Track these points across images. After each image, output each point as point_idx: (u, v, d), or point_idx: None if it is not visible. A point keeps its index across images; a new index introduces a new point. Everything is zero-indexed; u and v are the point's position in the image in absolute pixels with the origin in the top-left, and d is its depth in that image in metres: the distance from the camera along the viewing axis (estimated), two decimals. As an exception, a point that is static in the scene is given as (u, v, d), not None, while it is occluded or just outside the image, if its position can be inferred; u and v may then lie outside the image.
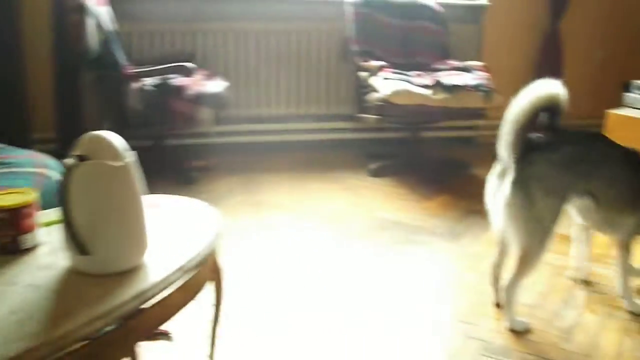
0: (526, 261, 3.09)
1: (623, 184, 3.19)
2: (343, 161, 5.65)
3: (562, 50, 6.39)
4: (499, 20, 6.25)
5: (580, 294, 3.56)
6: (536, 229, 3.03)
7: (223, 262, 2.45)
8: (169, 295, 2.04)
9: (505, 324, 3.18)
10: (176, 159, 5.30)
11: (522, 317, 3.26)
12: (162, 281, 2.00)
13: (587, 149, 3.16)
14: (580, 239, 3.61)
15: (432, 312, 3.34)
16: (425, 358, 2.95)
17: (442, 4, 5.88)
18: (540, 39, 6.43)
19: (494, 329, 3.19)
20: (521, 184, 2.97)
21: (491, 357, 2.95)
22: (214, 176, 5.13)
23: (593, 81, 6.56)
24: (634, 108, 5.29)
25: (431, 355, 2.97)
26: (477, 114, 5.07)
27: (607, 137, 3.39)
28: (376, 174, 5.33)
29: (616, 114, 5.16)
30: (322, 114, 5.97)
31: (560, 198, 3.05)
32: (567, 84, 6.22)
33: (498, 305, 3.35)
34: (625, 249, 3.31)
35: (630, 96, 5.35)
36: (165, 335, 2.96)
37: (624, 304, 3.38)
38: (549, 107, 3.06)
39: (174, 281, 2.06)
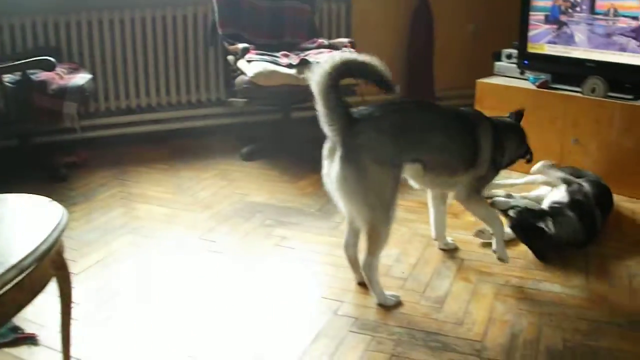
0: (374, 236, 2.96)
1: (452, 149, 3.16)
2: (216, 147, 5.49)
3: (432, 23, 6.35)
4: (368, -4, 6.17)
5: (452, 262, 3.52)
6: (376, 202, 2.90)
7: (70, 256, 2.27)
8: (4, 293, 1.91)
9: (374, 300, 3.09)
10: (45, 156, 5.02)
11: (393, 290, 3.19)
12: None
13: (413, 115, 3.10)
14: (435, 207, 3.57)
15: (301, 290, 3.25)
16: (293, 336, 2.85)
17: (309, -17, 5.73)
18: (410, 13, 6.37)
19: (363, 304, 3.11)
20: (350, 157, 2.85)
21: (360, 333, 2.87)
22: (85, 171, 4.90)
23: (466, 52, 6.57)
24: (503, 76, 5.29)
25: (299, 333, 2.86)
26: (347, 90, 4.95)
27: (433, 104, 3.39)
28: (248, 157, 5.19)
29: (485, 83, 5.16)
30: (194, 101, 5.77)
31: (393, 166, 2.94)
32: (440, 56, 6.29)
33: (360, 284, 3.24)
34: (470, 199, 3.32)
35: (500, 65, 5.36)
36: (31, 339, 2.77)
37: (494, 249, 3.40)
38: (352, 71, 2.94)
39: (10, 279, 1.92)
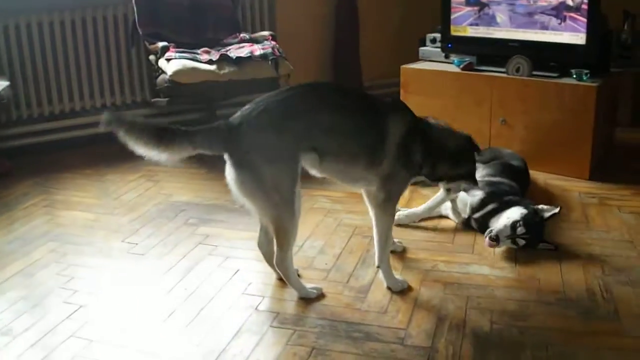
0: (281, 232, 2.87)
1: (346, 131, 2.91)
2: (141, 149, 5.33)
3: (357, 12, 6.29)
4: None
5: (377, 251, 3.41)
6: (277, 199, 2.81)
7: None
8: None
9: (296, 294, 3.02)
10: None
11: (316, 282, 3.13)
12: None
13: (297, 101, 2.88)
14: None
15: (223, 287, 3.16)
16: (214, 334, 2.76)
17: (230, -22, 5.63)
18: (335, 3, 6.30)
19: (285, 298, 3.03)
20: (241, 162, 2.77)
21: (281, 328, 2.79)
22: (8, 181, 4.72)
23: (393, 40, 6.51)
24: (428, 61, 5.26)
25: (220, 330, 2.78)
26: (270, 84, 4.87)
27: (330, 85, 3.23)
28: (174, 157, 5.05)
29: (409, 68, 5.12)
30: (119, 103, 5.62)
31: (286, 160, 2.81)
32: (367, 45, 6.23)
33: (280, 279, 3.15)
34: (380, 207, 3.06)
35: (425, 50, 5.33)
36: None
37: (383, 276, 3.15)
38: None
39: None
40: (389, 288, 3.08)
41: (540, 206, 3.47)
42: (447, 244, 3.50)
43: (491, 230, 3.37)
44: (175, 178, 4.65)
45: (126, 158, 4.80)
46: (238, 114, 2.84)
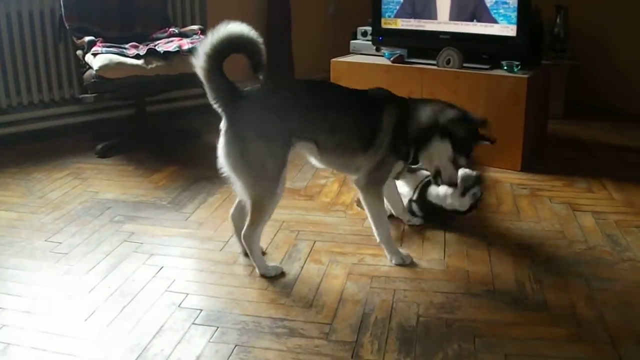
0: (257, 209, 2.97)
1: (347, 129, 3.08)
2: (70, 147, 5.22)
3: (289, 6, 6.25)
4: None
5: (304, 245, 3.42)
6: (259, 175, 2.93)
7: None
8: None
9: (221, 291, 2.96)
10: None
11: (243, 277, 3.10)
12: None
13: (306, 94, 3.07)
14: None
15: (145, 285, 3.07)
16: (135, 333, 2.68)
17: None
18: (266, -4, 6.26)
19: (209, 295, 2.96)
20: (235, 132, 2.89)
21: (203, 325, 2.72)
22: None
23: (326, 33, 6.48)
24: (359, 54, 5.24)
25: (141, 329, 2.70)
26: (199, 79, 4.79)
27: (331, 83, 3.28)
28: (103, 154, 4.98)
29: (339, 62, 5.09)
30: (46, 100, 5.48)
31: (278, 142, 2.94)
32: (300, 39, 6.18)
33: (246, 254, 3.18)
34: (364, 191, 3.17)
35: (355, 43, 5.32)
36: None
37: (387, 256, 3.26)
38: (239, 47, 2.90)
39: None
40: (391, 260, 3.22)
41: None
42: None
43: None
44: (103, 175, 4.55)
45: (54, 156, 4.77)
46: (247, 88, 2.96)
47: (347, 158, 3.13)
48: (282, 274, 3.06)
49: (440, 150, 3.12)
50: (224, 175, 3.01)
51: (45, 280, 3.14)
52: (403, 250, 3.24)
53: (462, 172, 3.36)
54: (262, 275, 3.05)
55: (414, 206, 3.62)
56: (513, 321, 2.75)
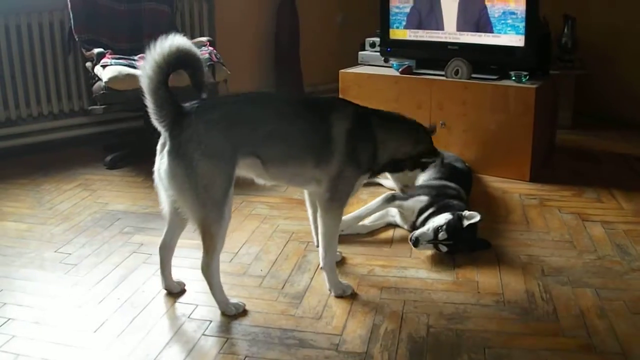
0: (207, 236, 2.76)
1: (289, 139, 2.89)
2: (79, 158, 5.24)
3: (297, 17, 6.26)
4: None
5: (315, 256, 3.38)
6: (207, 199, 2.71)
7: None
8: None
9: (219, 310, 2.92)
10: None
11: (253, 289, 3.10)
12: None
13: (246, 107, 2.87)
14: (310, 203, 3.33)
15: (156, 296, 3.08)
16: (145, 344, 2.68)
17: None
18: (275, 8, 6.26)
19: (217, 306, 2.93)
20: (178, 152, 2.68)
21: (213, 336, 2.72)
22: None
23: (334, 44, 6.49)
24: (368, 65, 5.26)
25: (151, 340, 2.70)
26: (208, 90, 4.80)
27: (275, 94, 3.18)
28: (112, 165, 4.99)
29: (348, 73, 5.10)
30: (56, 112, 5.50)
31: (224, 161, 2.74)
32: (308, 51, 6.19)
33: (168, 292, 3.09)
34: (324, 208, 2.98)
35: (364, 54, 5.32)
36: None
37: (326, 279, 3.10)
38: (187, 63, 2.75)
39: None
40: (330, 291, 3.04)
41: (465, 212, 3.42)
42: (384, 248, 3.47)
43: (413, 233, 3.33)
44: (112, 186, 4.56)
45: (63, 167, 4.78)
46: (188, 104, 2.76)
47: (294, 169, 2.93)
48: (245, 312, 2.91)
49: (411, 175, 3.16)
50: (160, 197, 2.93)
51: (54, 291, 3.14)
52: (344, 281, 3.09)
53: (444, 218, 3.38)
54: (223, 314, 2.88)
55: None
56: (523, 332, 2.74)
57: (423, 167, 3.15)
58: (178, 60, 2.67)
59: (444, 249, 3.32)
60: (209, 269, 2.82)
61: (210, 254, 2.79)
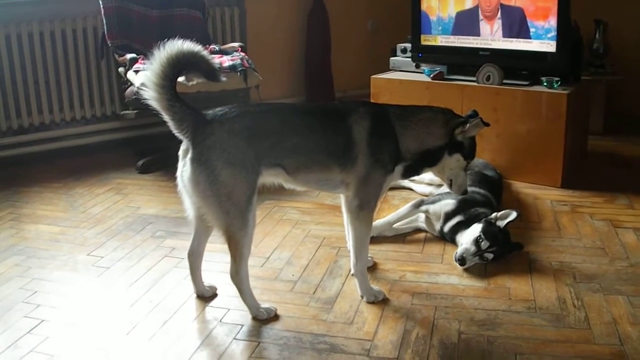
0: (233, 243, 2.78)
1: (310, 147, 2.89)
2: (112, 162, 5.30)
3: (328, 23, 6.27)
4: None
5: (346, 261, 3.39)
6: (230, 206, 2.72)
7: None
8: None
9: (250, 314, 2.93)
10: None
11: (282, 293, 3.11)
12: None
13: (267, 117, 2.88)
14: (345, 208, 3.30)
15: (187, 300, 3.10)
16: (177, 347, 2.70)
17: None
18: (306, 14, 6.28)
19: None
20: (201, 159, 2.69)
21: (245, 340, 2.74)
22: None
23: (365, 50, 6.50)
24: (399, 71, 5.25)
25: (183, 344, 2.72)
26: (240, 95, 4.84)
27: (294, 105, 3.16)
28: (144, 170, 5.03)
29: (379, 79, 5.11)
30: (88, 116, 5.56)
31: (247, 169, 2.74)
32: (339, 56, 6.20)
33: (199, 297, 3.10)
34: (354, 214, 2.98)
35: (395, 60, 5.32)
36: None
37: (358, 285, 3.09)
38: (189, 64, 2.77)
39: None
40: (361, 297, 3.04)
41: (494, 214, 3.41)
42: (416, 254, 3.46)
43: (455, 254, 3.32)
44: (145, 191, 4.59)
45: (95, 171, 4.83)
46: (211, 111, 2.78)
47: (320, 175, 2.92)
48: (276, 316, 2.91)
49: (451, 164, 3.04)
50: (185, 204, 2.95)
51: (87, 293, 3.18)
52: (375, 287, 3.09)
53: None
54: (254, 319, 2.89)
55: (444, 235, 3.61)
56: (555, 339, 2.72)
57: (465, 156, 3.03)
58: (175, 69, 2.68)
59: (489, 257, 3.30)
60: (238, 276, 2.84)
61: (237, 261, 2.81)
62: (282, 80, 6.12)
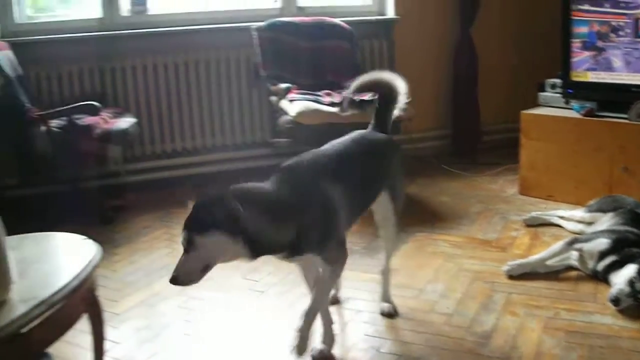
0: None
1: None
2: (261, 187, 5.45)
3: (476, 57, 6.30)
4: (410, 32, 6.16)
5: (500, 296, 3.43)
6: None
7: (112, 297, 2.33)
8: (33, 328, 1.94)
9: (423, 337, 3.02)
10: (93, 200, 5.07)
11: (440, 325, 3.16)
12: (22, 316, 1.92)
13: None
14: None
15: (345, 328, 3.21)
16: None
17: (351, 22, 5.77)
18: (453, 47, 6.35)
19: (408, 341, 3.05)
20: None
21: (401, 371, 2.79)
22: (131, 214, 4.95)
23: (510, 84, 6.49)
24: (548, 106, 5.21)
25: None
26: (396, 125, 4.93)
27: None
28: (293, 197, 5.15)
29: (529, 114, 5.09)
30: (238, 143, 5.78)
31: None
32: (484, 89, 6.23)
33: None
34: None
35: (544, 95, 5.29)
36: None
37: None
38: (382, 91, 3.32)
39: (39, 314, 1.97)
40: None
41: None
42: (568, 291, 3.46)
43: (610, 294, 3.32)
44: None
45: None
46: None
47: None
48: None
49: None
50: None
51: (245, 315, 3.35)
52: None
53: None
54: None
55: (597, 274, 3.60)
56: None
57: None
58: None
59: None
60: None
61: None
62: (427, 113, 6.18)
